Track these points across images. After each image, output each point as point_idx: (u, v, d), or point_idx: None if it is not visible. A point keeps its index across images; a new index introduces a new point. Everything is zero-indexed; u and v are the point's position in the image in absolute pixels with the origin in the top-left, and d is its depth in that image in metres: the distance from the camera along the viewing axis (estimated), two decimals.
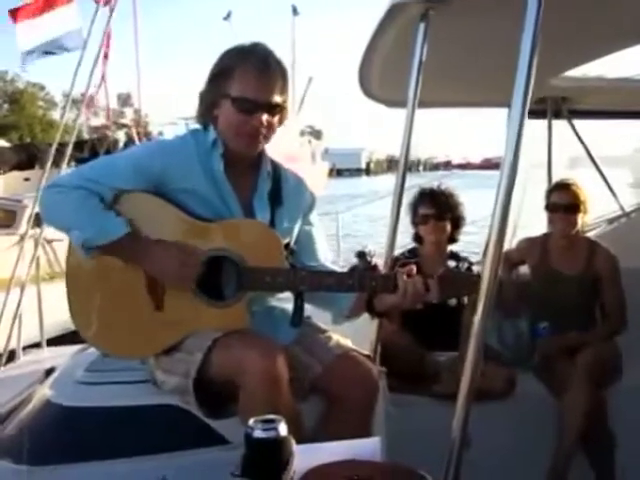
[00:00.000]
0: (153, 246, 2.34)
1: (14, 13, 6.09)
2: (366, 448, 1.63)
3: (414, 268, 2.42)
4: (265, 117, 2.40)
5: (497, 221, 1.98)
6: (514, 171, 1.96)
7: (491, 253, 2.00)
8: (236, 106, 2.39)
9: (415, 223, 3.98)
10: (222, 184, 2.44)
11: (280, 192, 2.58)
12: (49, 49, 6.10)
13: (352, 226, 17.84)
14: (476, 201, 6.23)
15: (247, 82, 2.38)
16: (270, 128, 2.45)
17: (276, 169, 2.62)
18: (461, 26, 2.84)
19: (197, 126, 2.55)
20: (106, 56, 6.53)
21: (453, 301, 2.49)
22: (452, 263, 3.88)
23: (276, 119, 2.46)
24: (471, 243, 5.07)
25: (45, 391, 2.74)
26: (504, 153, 1.97)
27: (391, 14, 2.69)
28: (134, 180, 2.37)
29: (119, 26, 6.13)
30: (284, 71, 2.47)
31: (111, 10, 5.42)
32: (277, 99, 2.42)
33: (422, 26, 2.66)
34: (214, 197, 2.43)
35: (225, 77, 2.41)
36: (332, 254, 2.87)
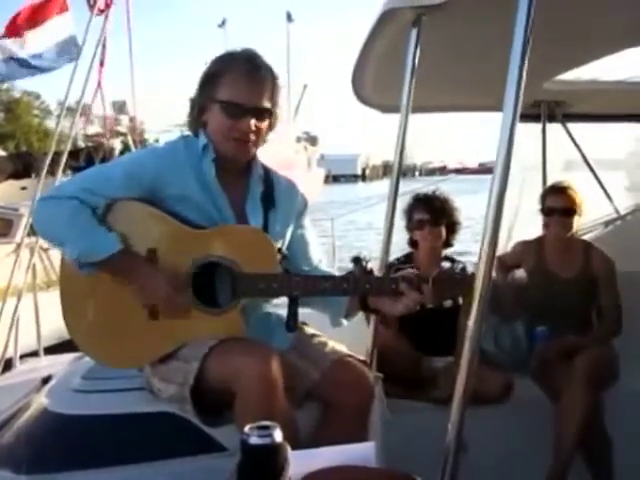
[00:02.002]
0: (144, 268, 2.35)
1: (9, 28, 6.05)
2: (361, 453, 1.62)
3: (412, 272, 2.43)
4: (253, 122, 2.41)
5: (490, 224, 1.98)
6: (506, 174, 1.97)
7: (485, 256, 2.00)
8: (224, 110, 2.41)
9: (410, 228, 3.97)
10: (214, 189, 2.45)
11: (272, 195, 2.58)
12: (46, 65, 6.09)
13: (347, 232, 17.85)
14: (472, 205, 6.22)
15: (236, 87, 2.39)
16: (259, 133, 2.45)
17: (267, 173, 2.63)
18: (454, 31, 2.85)
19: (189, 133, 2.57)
20: (102, 63, 6.53)
21: (449, 305, 2.48)
22: (446, 264, 3.87)
23: (265, 124, 2.47)
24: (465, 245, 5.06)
25: (42, 399, 2.74)
26: (496, 157, 1.97)
27: (384, 20, 2.70)
28: (127, 188, 2.38)
29: (113, 33, 6.12)
30: (274, 77, 2.48)
31: (105, 17, 5.43)
32: (266, 104, 2.44)
33: (414, 31, 2.67)
34: (206, 202, 2.43)
35: (214, 82, 2.43)
36: (327, 259, 2.87)
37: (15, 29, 5.96)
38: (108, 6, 5.39)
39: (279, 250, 2.51)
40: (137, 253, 2.37)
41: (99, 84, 6.94)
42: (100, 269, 2.34)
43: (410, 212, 3.95)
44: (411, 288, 2.36)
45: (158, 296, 2.34)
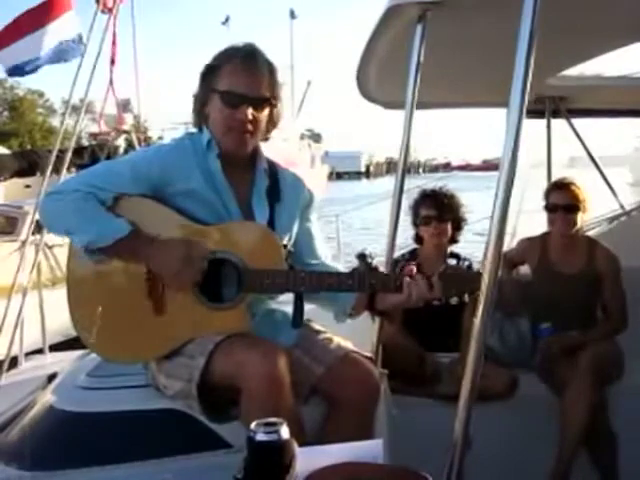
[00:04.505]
0: (157, 243, 2.34)
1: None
2: (368, 450, 1.63)
3: (414, 268, 2.43)
4: (250, 111, 2.41)
5: (496, 221, 1.98)
6: (513, 171, 1.96)
7: (491, 254, 1.99)
8: (223, 100, 2.42)
9: (416, 224, 3.98)
10: (220, 184, 2.46)
11: (278, 189, 2.59)
12: (49, 60, 6.09)
13: (352, 229, 17.82)
14: (476, 203, 6.22)
15: (234, 76, 2.41)
16: (257, 123, 2.46)
17: (272, 167, 2.64)
18: (458, 27, 2.85)
19: (194, 130, 2.58)
20: (113, 61, 6.49)
21: (454, 301, 2.48)
22: (452, 261, 3.88)
23: (263, 115, 2.47)
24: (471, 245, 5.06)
25: (48, 397, 2.74)
26: (502, 153, 1.97)
27: (388, 16, 2.69)
28: (133, 186, 2.39)
29: (118, 31, 6.09)
30: (273, 68, 2.49)
31: (114, 15, 5.43)
32: (264, 94, 2.45)
33: (419, 27, 2.66)
34: (213, 197, 2.44)
35: (214, 74, 2.45)
36: (331, 256, 2.87)
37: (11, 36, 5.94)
38: (115, 3, 5.39)
39: (285, 246, 2.51)
40: (147, 233, 2.36)
41: (111, 82, 6.90)
42: (111, 254, 2.34)
43: (417, 208, 3.96)
44: (420, 287, 2.36)
45: (170, 269, 2.32)
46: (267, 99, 2.46)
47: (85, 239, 2.30)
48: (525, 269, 3.91)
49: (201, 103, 2.52)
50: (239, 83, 2.41)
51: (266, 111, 2.48)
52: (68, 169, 5.94)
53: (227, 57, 2.46)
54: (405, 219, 3.80)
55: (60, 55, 5.88)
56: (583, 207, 3.74)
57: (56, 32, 5.88)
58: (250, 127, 2.45)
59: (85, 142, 16.68)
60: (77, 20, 6.00)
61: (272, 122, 2.54)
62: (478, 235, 5.10)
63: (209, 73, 2.48)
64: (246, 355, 2.21)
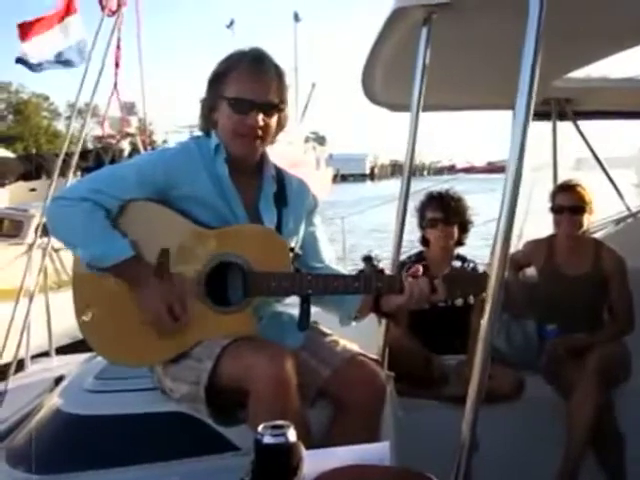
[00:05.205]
0: (146, 282, 2.34)
1: (23, 30, 6.13)
2: (375, 453, 1.63)
3: (420, 268, 2.43)
4: (261, 117, 2.41)
5: (503, 224, 1.98)
6: (519, 173, 1.96)
7: (498, 256, 1.99)
8: (232, 107, 2.42)
9: (423, 227, 3.98)
10: (227, 189, 2.46)
11: (285, 194, 2.59)
12: (57, 60, 6.15)
13: (357, 231, 17.81)
14: (481, 205, 6.21)
15: (242, 82, 2.41)
16: (267, 129, 2.46)
17: (279, 172, 2.64)
18: (464, 29, 2.84)
19: (200, 133, 2.58)
20: (117, 65, 6.52)
21: (460, 303, 2.48)
22: (458, 263, 3.88)
23: (273, 120, 2.47)
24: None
25: (54, 399, 2.75)
26: (509, 156, 1.97)
27: (394, 18, 2.69)
28: (138, 190, 2.39)
29: (122, 35, 6.11)
30: (280, 73, 2.49)
31: (117, 18, 5.45)
32: (273, 99, 2.44)
33: (425, 30, 2.66)
34: (220, 202, 2.44)
35: (222, 80, 2.45)
36: (336, 259, 2.87)
37: (34, 32, 6.04)
38: (120, 7, 5.41)
39: (291, 249, 2.51)
40: (147, 262, 2.37)
41: (115, 85, 6.93)
42: (109, 273, 2.35)
43: (423, 210, 3.96)
44: (422, 287, 2.36)
45: (149, 316, 2.35)
46: (276, 105, 2.46)
47: (87, 257, 2.33)
48: (531, 271, 3.91)
49: (209, 109, 2.52)
50: (247, 89, 2.41)
51: (275, 116, 2.48)
52: (74, 173, 5.95)
53: (234, 63, 2.45)
54: (411, 221, 3.80)
55: (68, 58, 5.93)
56: (589, 209, 3.74)
57: (64, 34, 5.93)
58: (260, 133, 2.45)
59: (90, 145, 16.68)
60: (82, 24, 6.04)
61: (280, 126, 2.54)
62: (484, 239, 5.10)
63: (216, 79, 2.47)
64: (253, 358, 2.21)
